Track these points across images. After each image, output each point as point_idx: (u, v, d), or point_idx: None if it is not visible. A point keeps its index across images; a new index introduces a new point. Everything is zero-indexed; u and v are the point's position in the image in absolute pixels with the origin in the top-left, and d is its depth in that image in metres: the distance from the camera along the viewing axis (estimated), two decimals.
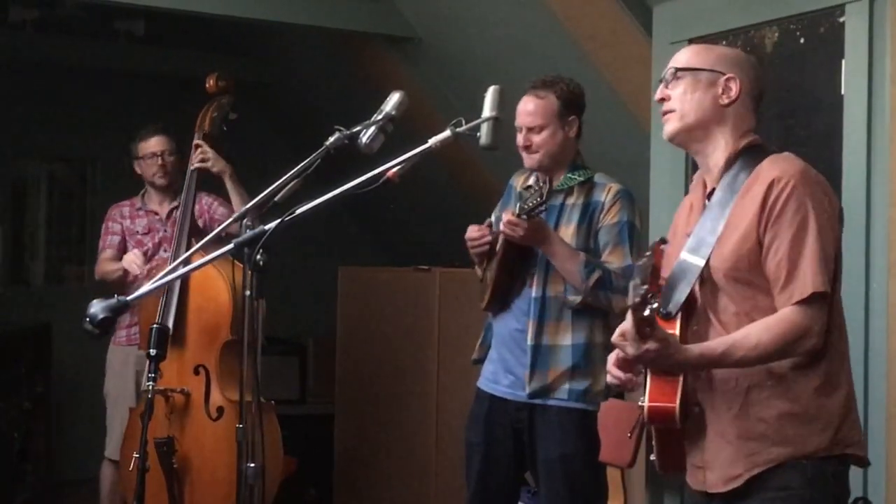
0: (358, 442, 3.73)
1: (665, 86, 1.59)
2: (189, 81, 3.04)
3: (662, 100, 1.59)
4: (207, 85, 2.98)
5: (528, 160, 2.25)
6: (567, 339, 2.21)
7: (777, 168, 1.51)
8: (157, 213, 3.11)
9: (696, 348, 1.48)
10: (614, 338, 1.46)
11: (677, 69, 1.58)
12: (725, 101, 1.56)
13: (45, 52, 4.23)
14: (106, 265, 3.08)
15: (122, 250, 3.08)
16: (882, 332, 2.10)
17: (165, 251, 3.06)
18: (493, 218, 2.37)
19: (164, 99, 4.17)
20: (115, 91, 4.36)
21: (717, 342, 1.49)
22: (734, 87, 1.56)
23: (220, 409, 2.66)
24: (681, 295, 1.53)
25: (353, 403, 3.76)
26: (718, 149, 1.57)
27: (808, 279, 1.44)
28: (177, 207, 3.07)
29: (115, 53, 4.31)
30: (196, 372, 2.70)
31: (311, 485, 3.80)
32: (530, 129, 2.23)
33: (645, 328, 1.39)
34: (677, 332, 1.51)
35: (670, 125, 1.59)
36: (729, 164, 1.56)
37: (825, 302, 1.46)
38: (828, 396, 1.49)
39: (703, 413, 1.54)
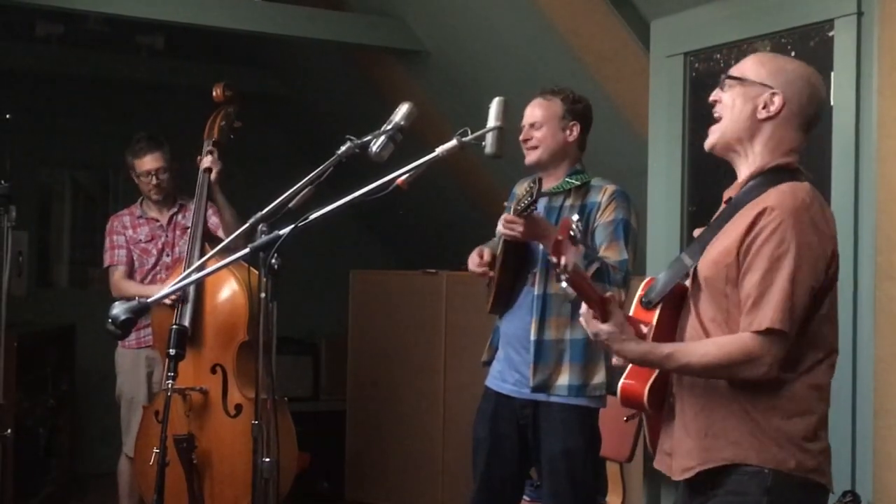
0: (368, 437, 3.80)
1: (720, 88, 1.57)
2: (206, 92, 3.14)
3: (715, 102, 1.57)
4: (214, 94, 3.03)
5: (528, 156, 2.33)
6: (567, 333, 2.25)
7: (774, 198, 1.48)
8: (157, 220, 3.14)
9: (645, 345, 1.51)
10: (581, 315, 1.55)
11: (728, 76, 1.55)
12: (763, 115, 1.52)
13: (70, 64, 4.35)
14: (126, 286, 3.05)
15: (131, 262, 3.12)
16: (869, 332, 2.16)
17: (168, 256, 3.10)
18: (497, 232, 2.39)
19: (182, 109, 4.28)
20: (136, 102, 4.47)
21: (666, 344, 1.52)
22: (776, 102, 1.51)
23: (239, 407, 2.71)
24: (665, 288, 1.58)
25: (363, 400, 3.83)
26: (746, 163, 1.56)
27: (768, 313, 1.44)
28: (177, 213, 3.13)
29: (137, 66, 4.41)
30: (213, 371, 2.74)
31: (324, 478, 3.87)
32: (532, 125, 2.32)
33: (598, 312, 1.48)
34: (654, 321, 1.57)
35: (711, 138, 1.58)
36: (748, 180, 1.54)
37: (783, 339, 1.46)
38: (787, 420, 1.49)
39: (675, 404, 1.59)
